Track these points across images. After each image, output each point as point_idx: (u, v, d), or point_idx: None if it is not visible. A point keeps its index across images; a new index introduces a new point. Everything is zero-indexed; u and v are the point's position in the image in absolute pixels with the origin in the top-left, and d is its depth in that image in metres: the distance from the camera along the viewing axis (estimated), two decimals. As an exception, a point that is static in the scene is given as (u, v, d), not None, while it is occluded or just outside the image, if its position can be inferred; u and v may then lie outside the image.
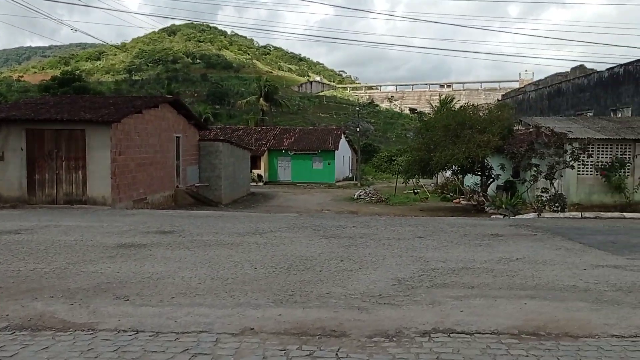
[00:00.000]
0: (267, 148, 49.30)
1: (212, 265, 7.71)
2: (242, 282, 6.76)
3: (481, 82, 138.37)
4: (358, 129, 51.97)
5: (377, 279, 7.08)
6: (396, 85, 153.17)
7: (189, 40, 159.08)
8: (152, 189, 21.36)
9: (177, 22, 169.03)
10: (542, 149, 16.04)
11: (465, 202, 26.11)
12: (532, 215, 15.06)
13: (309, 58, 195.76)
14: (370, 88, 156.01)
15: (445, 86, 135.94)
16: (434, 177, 40.57)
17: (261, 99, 65.08)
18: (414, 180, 26.48)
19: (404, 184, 29.89)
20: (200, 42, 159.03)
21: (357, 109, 64.74)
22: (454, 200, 30.10)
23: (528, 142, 16.99)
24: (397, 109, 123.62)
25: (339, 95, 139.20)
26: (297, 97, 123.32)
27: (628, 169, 17.76)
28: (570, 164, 15.81)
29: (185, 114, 25.23)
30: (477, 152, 19.70)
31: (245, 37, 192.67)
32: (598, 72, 28.91)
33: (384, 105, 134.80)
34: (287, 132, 52.16)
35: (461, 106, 24.20)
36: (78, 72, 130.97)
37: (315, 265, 7.85)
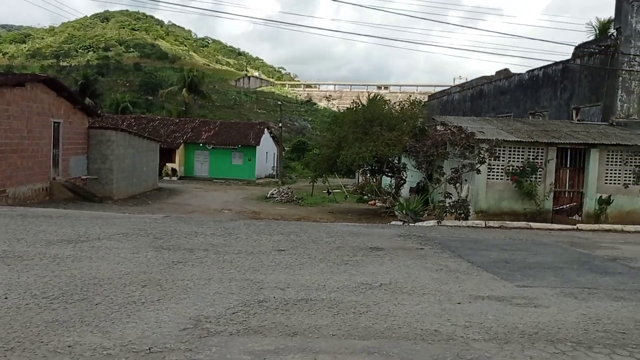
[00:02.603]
0: (183, 141, 46.34)
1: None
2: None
3: (417, 85, 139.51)
4: (280, 125, 49.76)
5: (170, 317, 4.97)
6: (335, 85, 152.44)
7: (123, 28, 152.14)
8: (16, 180, 18.39)
9: (112, 9, 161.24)
10: (449, 149, 14.48)
11: (381, 204, 24.58)
12: (432, 222, 13.44)
13: (248, 53, 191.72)
14: (309, 86, 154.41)
15: (383, 88, 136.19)
16: (356, 177, 39.18)
17: (184, 89, 61.62)
18: (323, 179, 24.63)
19: (311, 184, 27.91)
20: (134, 30, 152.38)
21: (279, 103, 62.40)
22: (370, 202, 28.57)
23: (441, 142, 15.41)
24: (335, 108, 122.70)
25: (277, 91, 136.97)
26: (233, 92, 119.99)
27: (540, 174, 16.54)
28: (477, 167, 14.32)
29: (68, 97, 22.23)
30: (385, 151, 18.04)
31: (183, 28, 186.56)
32: (519, 74, 28.12)
33: (322, 103, 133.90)
34: (207, 125, 49.37)
35: (371, 98, 22.51)
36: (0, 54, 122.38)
37: (102, 292, 5.65)
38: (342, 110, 25.59)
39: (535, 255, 9.08)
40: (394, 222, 14.39)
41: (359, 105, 21.36)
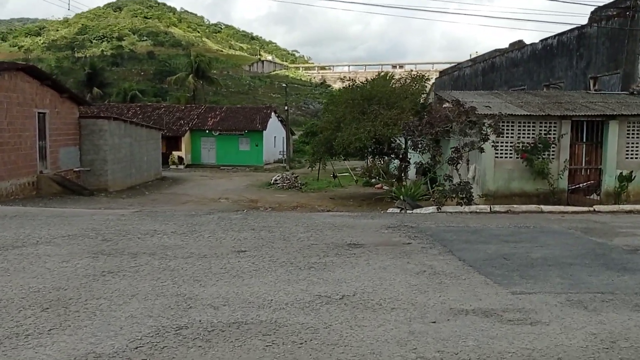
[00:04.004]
0: (189, 128, 45.36)
1: None
2: None
3: (433, 63, 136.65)
4: (286, 109, 48.33)
5: (49, 358, 3.84)
6: (349, 66, 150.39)
7: (136, 17, 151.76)
8: (-3, 176, 17.47)
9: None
10: (448, 127, 13.08)
11: (387, 188, 23.28)
12: (431, 209, 12.14)
13: (261, 37, 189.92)
14: (323, 68, 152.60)
15: (398, 67, 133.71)
16: (365, 160, 37.84)
17: (190, 75, 60.50)
18: (322, 163, 23.37)
19: (310, 169, 26.58)
20: (147, 18, 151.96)
21: (284, 85, 60.91)
22: (377, 186, 27.29)
23: (439, 119, 13.99)
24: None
25: (291, 75, 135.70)
26: (247, 77, 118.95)
27: (553, 151, 15.08)
28: (479, 145, 12.91)
29: (54, 85, 21.22)
30: (384, 132, 16.69)
31: (195, 15, 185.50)
32: (532, 44, 26.36)
33: (337, 85, 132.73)
34: (213, 111, 48.29)
35: (375, 77, 21.07)
36: (17, 47, 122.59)
37: (-14, 321, 4.54)
38: (339, 89, 24.13)
39: (541, 247, 7.76)
40: (391, 210, 13.13)
41: (354, 83, 19.97)
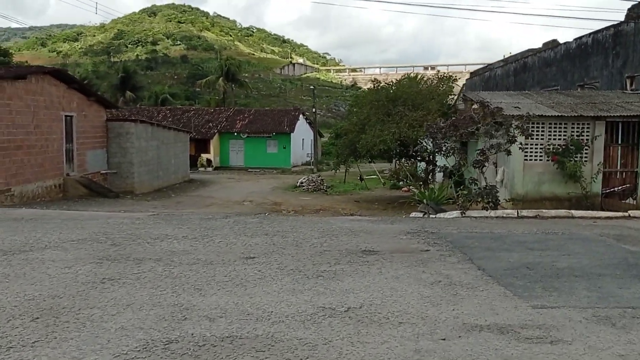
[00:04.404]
0: (217, 130, 45.56)
1: None
2: None
3: (465, 65, 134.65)
4: (314, 111, 48.06)
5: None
6: (380, 68, 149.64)
7: (170, 21, 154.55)
8: (23, 178, 17.68)
9: (158, 3, 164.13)
10: (471, 128, 12.57)
11: (415, 191, 22.78)
12: (455, 214, 11.67)
13: (293, 40, 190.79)
14: (354, 70, 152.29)
15: (430, 68, 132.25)
16: (393, 162, 37.29)
17: (220, 78, 60.89)
18: (347, 166, 23.01)
19: (334, 172, 26.15)
20: (181, 23, 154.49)
21: (311, 87, 60.65)
22: (404, 189, 26.78)
23: (463, 121, 13.49)
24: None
25: (322, 77, 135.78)
26: (278, 79, 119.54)
27: (586, 153, 14.44)
28: (506, 147, 12.37)
29: (80, 89, 21.44)
30: (409, 134, 16.25)
31: (228, 19, 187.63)
32: (565, 43, 25.49)
33: (367, 87, 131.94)
34: (241, 114, 48.42)
35: (402, 78, 20.61)
36: (55, 53, 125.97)
37: (-27, 330, 4.37)
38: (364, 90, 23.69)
39: (568, 256, 7.26)
40: (413, 214, 12.69)
41: (379, 84, 19.55)
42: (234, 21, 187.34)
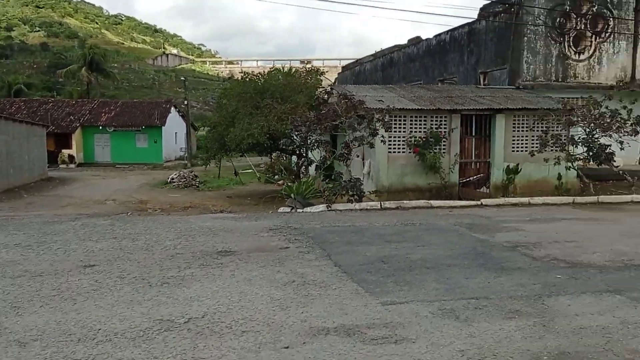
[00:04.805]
0: (80, 124, 42.36)
1: None
2: None
3: (340, 59, 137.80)
4: (186, 103, 46.37)
5: None
6: (257, 61, 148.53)
7: (26, 5, 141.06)
8: None
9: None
10: (335, 121, 12.60)
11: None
12: (321, 207, 11.62)
13: (166, 30, 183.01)
14: (230, 63, 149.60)
15: (306, 62, 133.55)
16: (269, 156, 37.01)
17: (83, 68, 56.63)
18: (216, 160, 22.38)
19: (204, 167, 25.31)
20: (39, 7, 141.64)
21: (182, 78, 58.70)
22: (279, 183, 26.60)
23: (328, 114, 13.48)
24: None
25: (198, 69, 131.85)
26: (151, 71, 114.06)
27: (444, 145, 15.09)
28: (369, 140, 12.57)
29: None
30: (278, 127, 16.01)
31: (93, 5, 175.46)
32: (427, 40, 26.74)
33: (235, 79, 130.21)
34: (107, 106, 45.42)
35: (270, 70, 20.33)
36: None
37: None
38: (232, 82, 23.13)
39: (423, 247, 7.39)
40: (282, 209, 12.47)
41: (248, 76, 19.13)
42: (100, 8, 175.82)
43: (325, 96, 15.91)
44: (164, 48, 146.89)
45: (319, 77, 18.86)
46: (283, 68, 20.26)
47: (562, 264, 6.51)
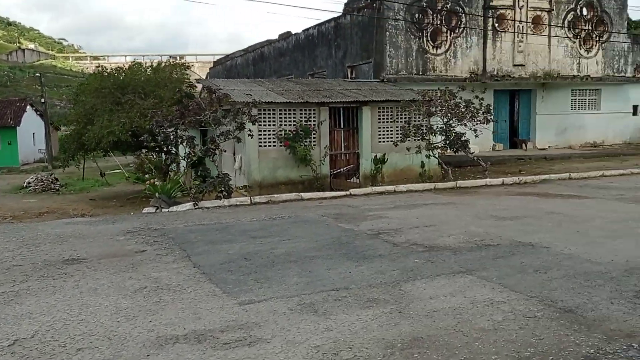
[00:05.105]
0: None
1: None
2: None
3: (214, 55, 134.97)
4: (43, 101, 42.73)
5: None
6: (126, 56, 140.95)
7: None
8: None
9: None
10: (199, 116, 12.11)
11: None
12: (188, 206, 11.11)
13: (20, 23, 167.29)
14: (96, 58, 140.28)
15: (178, 57, 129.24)
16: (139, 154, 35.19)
17: None
18: (76, 161, 20.86)
19: (63, 169, 23.44)
20: None
21: (38, 74, 54.23)
22: (147, 182, 25.36)
23: (196, 108, 12.91)
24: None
25: (60, 65, 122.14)
26: (5, 67, 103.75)
27: (314, 137, 15.17)
28: (236, 134, 12.25)
29: None
30: (141, 123, 15.12)
31: None
32: (296, 34, 26.87)
33: (91, 72, 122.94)
34: (-51, 106, 40.57)
35: (131, 64, 19.21)
36: None
37: None
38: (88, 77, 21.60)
39: (288, 241, 7.25)
40: (146, 209, 11.75)
41: (105, 70, 17.91)
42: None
43: (190, 90, 15.29)
44: (19, 42, 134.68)
45: (184, 71, 18.12)
46: (146, 63, 19.22)
47: (420, 248, 6.69)
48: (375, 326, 4.19)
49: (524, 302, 4.66)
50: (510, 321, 4.25)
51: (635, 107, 24.78)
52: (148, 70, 18.27)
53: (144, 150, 23.54)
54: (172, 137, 12.43)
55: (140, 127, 15.32)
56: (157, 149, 18.41)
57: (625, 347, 3.76)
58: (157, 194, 12.02)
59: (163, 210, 11.29)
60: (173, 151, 17.91)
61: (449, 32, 20.16)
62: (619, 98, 24.22)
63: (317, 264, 6.05)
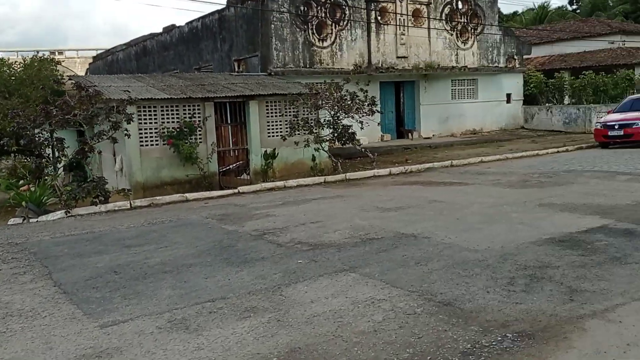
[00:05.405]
0: None
1: None
2: None
3: (97, 49, 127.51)
4: None
5: None
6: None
7: None
8: None
9: None
10: (67, 115, 11.13)
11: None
12: (59, 214, 10.18)
13: None
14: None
15: (57, 53, 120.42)
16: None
17: None
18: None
19: None
20: None
21: None
22: (22, 189, 23.27)
23: (64, 107, 11.82)
24: None
25: None
26: None
27: (200, 134, 14.56)
28: (111, 134, 11.41)
29: None
30: (5, 125, 13.69)
31: None
32: (179, 27, 25.81)
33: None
34: None
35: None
36: None
37: None
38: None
39: (165, 248, 6.76)
40: (12, 220, 10.61)
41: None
42: None
43: (59, 87, 14.08)
44: None
45: (53, 67, 16.67)
46: (18, 59, 17.49)
47: (305, 247, 6.50)
48: (251, 339, 3.90)
49: (405, 298, 4.59)
50: (390, 320, 4.14)
51: (508, 96, 26.44)
52: (14, 66, 16.63)
53: (17, 155, 21.55)
54: (37, 139, 11.31)
55: (4, 129, 13.87)
56: (28, 152, 16.82)
57: (500, 338, 3.76)
58: (23, 203, 10.91)
59: (31, 220, 10.27)
60: (46, 154, 16.46)
61: (334, 24, 20.23)
62: (494, 87, 25.73)
63: (194, 272, 5.65)
